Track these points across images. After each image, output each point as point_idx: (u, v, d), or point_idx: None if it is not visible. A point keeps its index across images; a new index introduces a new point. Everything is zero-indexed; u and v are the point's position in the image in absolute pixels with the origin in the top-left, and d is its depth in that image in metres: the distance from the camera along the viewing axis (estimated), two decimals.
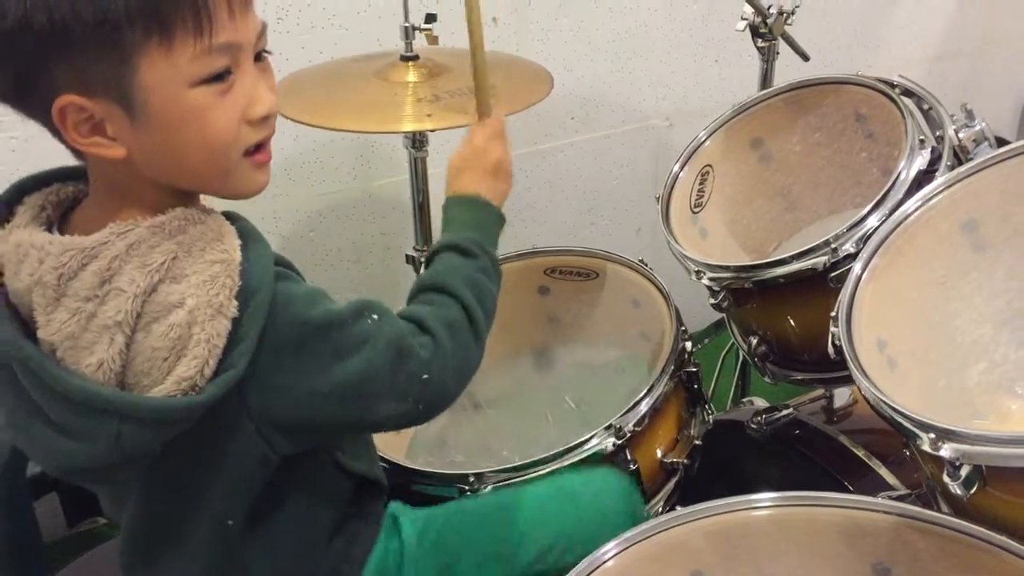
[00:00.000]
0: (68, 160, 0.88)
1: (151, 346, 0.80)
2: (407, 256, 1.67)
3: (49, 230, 0.85)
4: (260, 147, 0.87)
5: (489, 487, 1.19)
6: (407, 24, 1.47)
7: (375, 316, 0.90)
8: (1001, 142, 1.23)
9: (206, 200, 0.94)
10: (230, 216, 0.88)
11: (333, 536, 1.04)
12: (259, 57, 0.87)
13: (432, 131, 1.43)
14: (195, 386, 0.80)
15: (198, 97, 0.81)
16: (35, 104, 0.80)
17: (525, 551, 1.09)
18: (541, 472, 1.20)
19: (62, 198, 0.89)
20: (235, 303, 0.80)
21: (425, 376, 0.92)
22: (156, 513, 0.94)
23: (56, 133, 0.82)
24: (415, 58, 1.48)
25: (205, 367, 0.80)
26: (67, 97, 0.78)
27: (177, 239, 0.82)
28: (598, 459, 1.22)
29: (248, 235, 0.86)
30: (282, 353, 0.84)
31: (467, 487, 1.20)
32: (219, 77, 0.81)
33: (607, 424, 1.22)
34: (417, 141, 1.54)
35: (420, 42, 1.48)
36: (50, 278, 0.80)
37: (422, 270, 1.59)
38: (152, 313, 0.79)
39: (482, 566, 1.10)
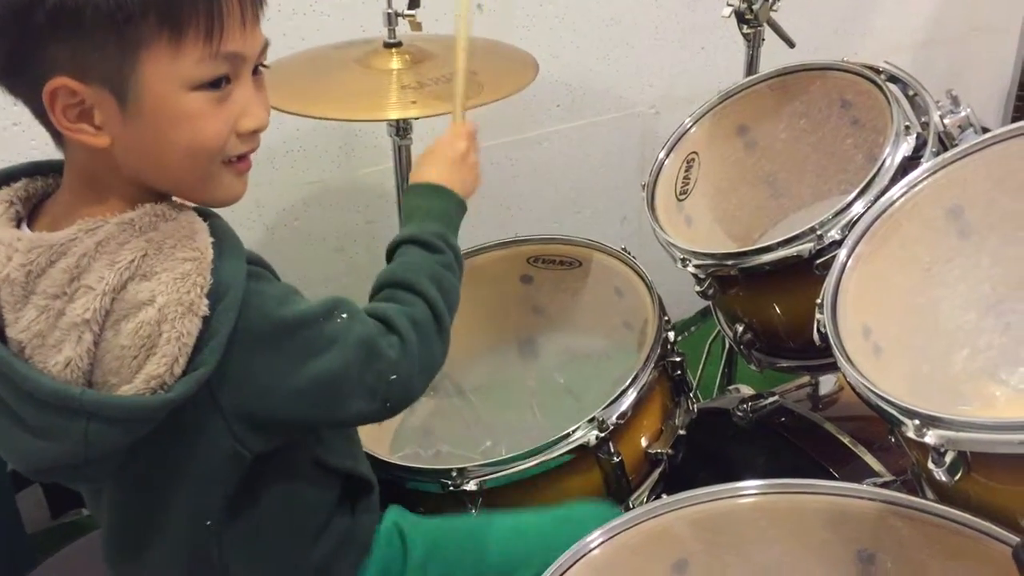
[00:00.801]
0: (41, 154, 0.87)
1: (120, 344, 0.79)
2: None
3: (18, 225, 0.84)
4: (242, 156, 0.87)
5: (472, 481, 1.19)
6: (390, 11, 1.46)
7: (345, 315, 0.90)
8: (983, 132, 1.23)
9: None
10: (203, 213, 0.87)
11: (320, 535, 1.03)
12: (255, 72, 0.87)
13: (417, 119, 1.42)
14: (164, 384, 0.79)
15: (193, 102, 0.81)
16: (25, 83, 0.79)
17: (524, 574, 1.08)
18: (525, 466, 1.19)
19: (31, 193, 0.88)
20: (206, 301, 0.80)
21: (393, 376, 0.92)
22: (131, 512, 0.93)
23: (41, 115, 0.81)
24: (398, 45, 1.47)
25: (175, 365, 0.79)
26: (60, 79, 0.77)
27: (147, 236, 0.81)
28: (582, 452, 1.21)
29: (221, 233, 0.85)
30: (254, 351, 0.84)
31: (450, 482, 1.19)
32: (216, 84, 0.81)
33: (590, 417, 1.21)
34: (401, 129, 1.53)
35: (403, 28, 1.47)
36: (18, 275, 0.79)
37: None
38: (121, 311, 0.79)
39: None
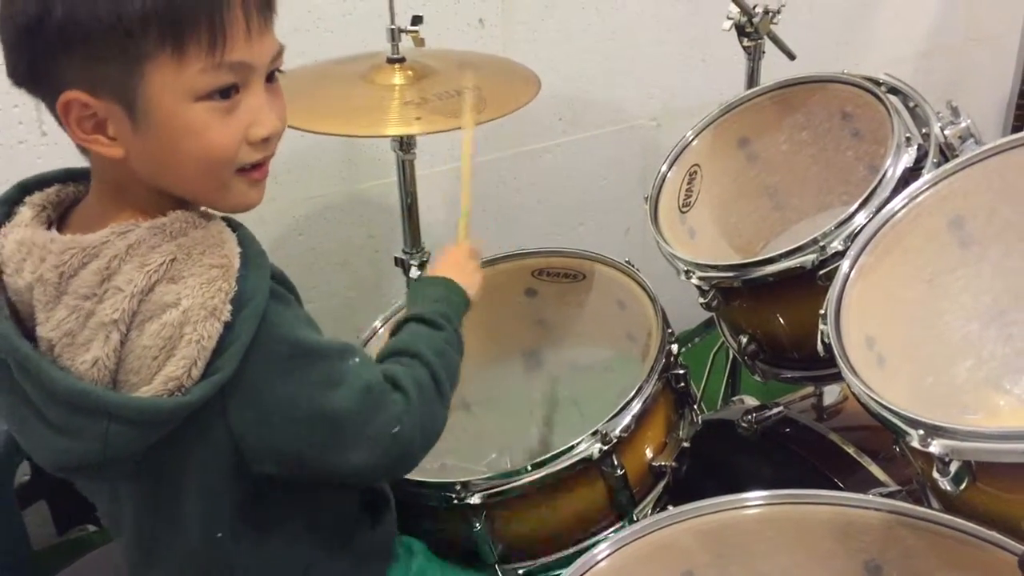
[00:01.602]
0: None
1: (143, 344, 0.80)
2: (395, 259, 1.66)
3: (48, 229, 0.85)
4: (257, 165, 0.88)
5: (476, 495, 1.19)
6: (393, 26, 1.46)
7: (357, 359, 0.91)
8: None
9: None
10: (231, 223, 0.88)
11: (339, 548, 1.03)
12: (271, 78, 0.87)
13: (419, 135, 1.42)
14: (182, 387, 0.80)
15: (201, 112, 0.81)
16: (44, 94, 0.81)
17: None
18: (528, 479, 1.19)
19: (62, 198, 0.90)
20: (229, 307, 0.81)
21: (396, 429, 0.93)
22: (148, 517, 0.93)
23: (60, 123, 0.82)
24: (402, 60, 1.47)
25: (193, 368, 0.80)
26: (73, 92, 0.79)
27: (177, 241, 0.82)
28: (586, 465, 1.21)
29: (248, 244, 0.86)
30: (269, 366, 0.84)
31: (454, 495, 1.19)
32: (224, 93, 0.82)
33: (594, 430, 1.21)
34: (405, 143, 1.54)
35: (406, 44, 1.48)
36: (51, 276, 0.80)
37: (410, 275, 1.60)
38: (147, 312, 0.80)
39: None
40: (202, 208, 0.89)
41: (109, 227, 0.82)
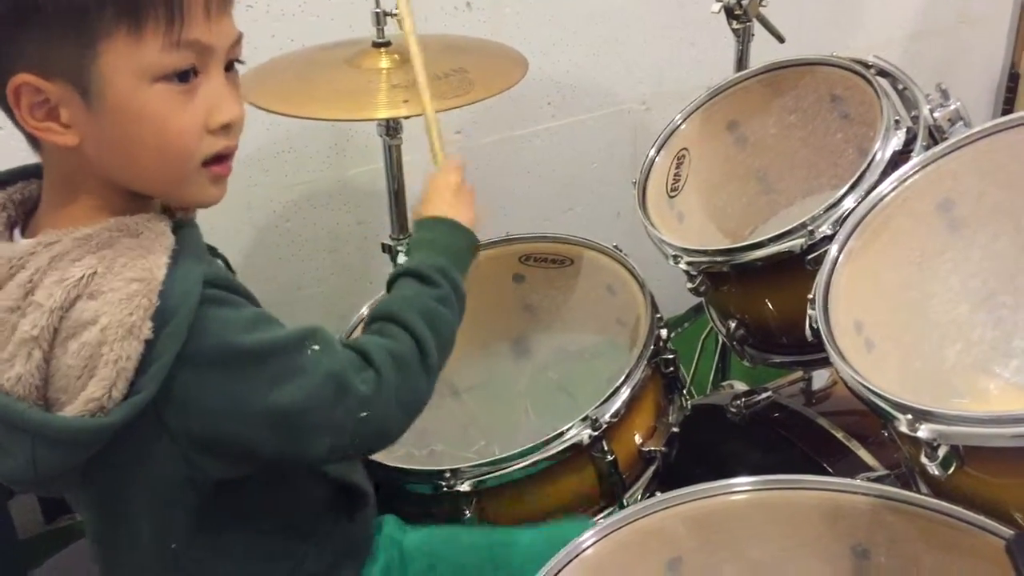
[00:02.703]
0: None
1: (67, 363, 0.78)
2: (383, 245, 1.65)
3: (11, 231, 0.83)
4: (221, 159, 0.85)
5: (466, 482, 1.18)
6: (378, 10, 1.45)
7: (316, 347, 0.87)
8: None
9: None
10: (178, 224, 0.85)
11: (311, 548, 1.01)
12: (230, 67, 0.85)
13: (407, 118, 1.41)
14: (103, 407, 0.78)
15: (158, 95, 0.79)
16: None
17: None
18: (518, 466, 1.19)
19: (26, 197, 0.87)
20: (150, 324, 0.77)
21: (364, 414, 0.89)
22: (101, 527, 0.92)
23: (10, 113, 0.79)
24: (387, 44, 1.46)
25: (113, 389, 0.77)
26: (24, 76, 0.76)
27: (101, 253, 0.79)
28: (576, 451, 1.21)
29: (183, 251, 0.83)
30: (207, 376, 0.81)
31: (444, 483, 1.19)
32: (183, 76, 0.79)
33: (583, 416, 1.21)
34: (391, 129, 1.53)
35: (392, 28, 1.47)
36: None
37: (398, 260, 1.59)
38: (68, 329, 0.78)
39: None
40: (152, 211, 0.85)
41: (38, 236, 0.80)
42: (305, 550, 1.00)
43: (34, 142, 0.84)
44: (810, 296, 1.09)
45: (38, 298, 0.77)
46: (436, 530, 1.16)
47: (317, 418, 0.87)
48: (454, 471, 1.19)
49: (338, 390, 0.88)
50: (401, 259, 1.58)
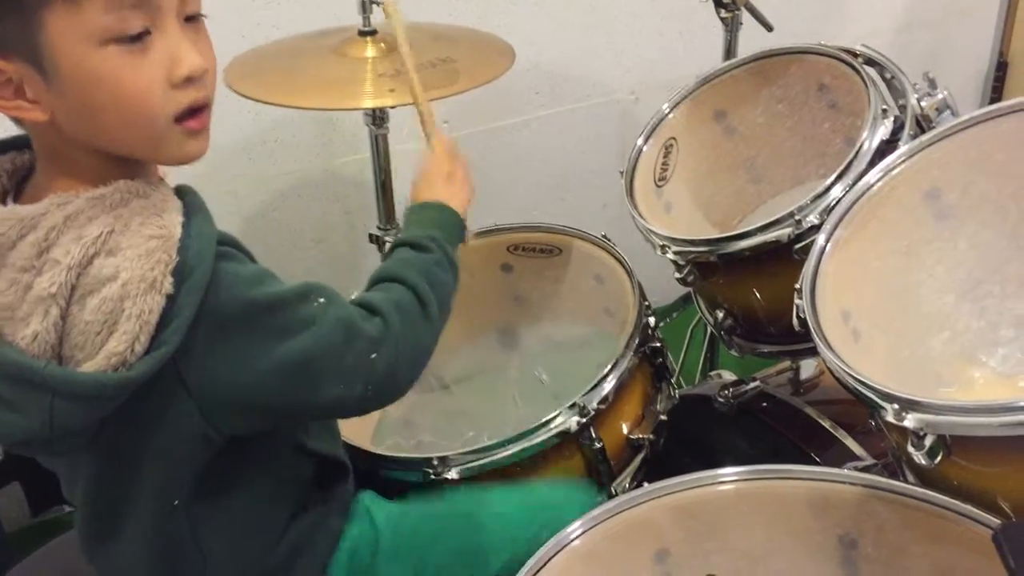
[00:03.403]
0: None
1: (84, 320, 0.78)
2: (370, 235, 1.64)
3: (3, 200, 0.83)
4: (194, 113, 0.84)
5: (454, 469, 1.18)
6: None
7: (321, 299, 0.89)
8: None
9: (166, 170, 0.91)
10: (181, 190, 0.86)
11: (293, 518, 1.02)
12: (193, 19, 0.83)
13: (393, 107, 1.41)
14: (125, 362, 0.79)
15: (109, 57, 0.78)
16: None
17: (496, 556, 1.08)
18: (506, 453, 1.19)
19: (17, 166, 0.87)
20: (171, 279, 0.79)
21: (374, 355, 0.91)
22: (102, 491, 0.92)
23: None
24: (373, 33, 1.45)
25: (136, 343, 0.78)
26: None
27: (116, 212, 0.80)
28: (564, 438, 1.21)
29: (193, 211, 0.84)
30: (223, 331, 0.83)
31: (432, 471, 1.19)
32: (136, 38, 0.78)
33: (571, 403, 1.21)
34: (378, 118, 1.52)
35: (378, 16, 1.46)
36: None
37: (385, 250, 1.59)
38: (87, 286, 0.78)
39: (452, 567, 1.09)
40: (152, 176, 0.86)
41: (48, 198, 0.80)
42: (285, 519, 1.01)
43: (15, 118, 0.84)
44: (797, 286, 1.09)
45: (55, 255, 0.78)
46: (411, 504, 1.16)
47: (328, 364, 0.89)
48: (442, 459, 1.19)
49: (347, 335, 0.90)
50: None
